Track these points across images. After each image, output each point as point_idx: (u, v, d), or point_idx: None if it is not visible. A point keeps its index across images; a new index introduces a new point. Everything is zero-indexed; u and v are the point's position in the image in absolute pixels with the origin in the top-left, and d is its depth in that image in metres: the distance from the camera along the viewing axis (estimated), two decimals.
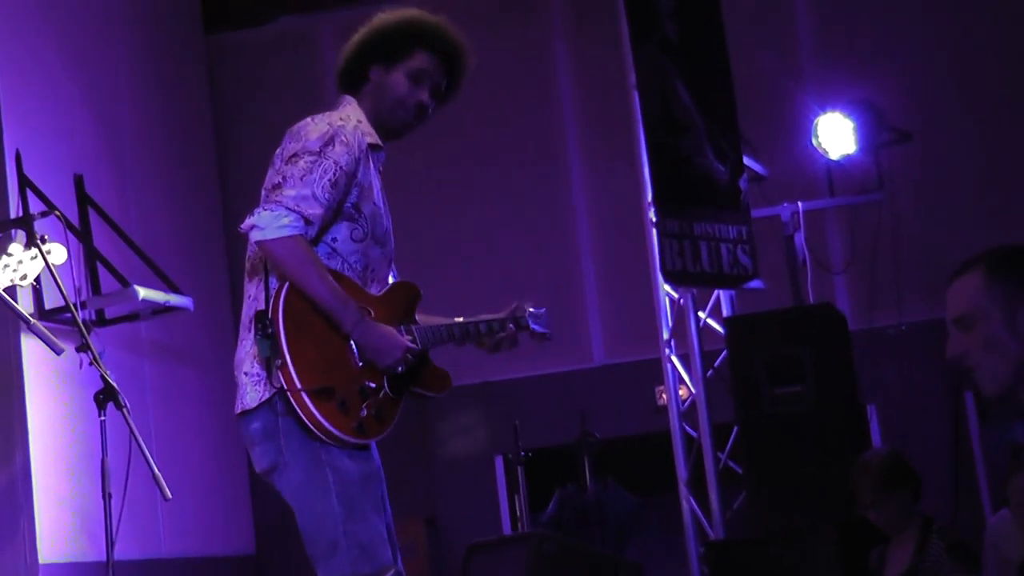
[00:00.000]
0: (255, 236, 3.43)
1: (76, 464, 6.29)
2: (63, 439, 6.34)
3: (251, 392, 3.48)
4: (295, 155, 3.49)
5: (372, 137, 3.63)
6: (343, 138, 3.52)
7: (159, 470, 4.17)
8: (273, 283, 3.47)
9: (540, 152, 8.40)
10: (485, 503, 8.07)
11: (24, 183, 6.27)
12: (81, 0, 7.21)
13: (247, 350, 3.50)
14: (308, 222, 3.43)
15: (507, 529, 7.94)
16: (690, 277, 6.80)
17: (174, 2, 8.15)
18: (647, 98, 6.84)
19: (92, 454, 5.65)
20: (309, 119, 3.58)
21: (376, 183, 3.63)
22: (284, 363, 3.37)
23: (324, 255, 3.53)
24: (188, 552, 7.23)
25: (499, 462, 8.17)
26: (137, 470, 4.37)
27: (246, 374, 3.50)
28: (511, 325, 3.81)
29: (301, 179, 3.44)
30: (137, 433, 4.20)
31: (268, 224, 3.41)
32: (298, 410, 3.39)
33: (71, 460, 6.32)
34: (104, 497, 4.38)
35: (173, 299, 6.65)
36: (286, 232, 3.41)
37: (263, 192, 3.51)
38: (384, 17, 3.75)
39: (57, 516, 6.23)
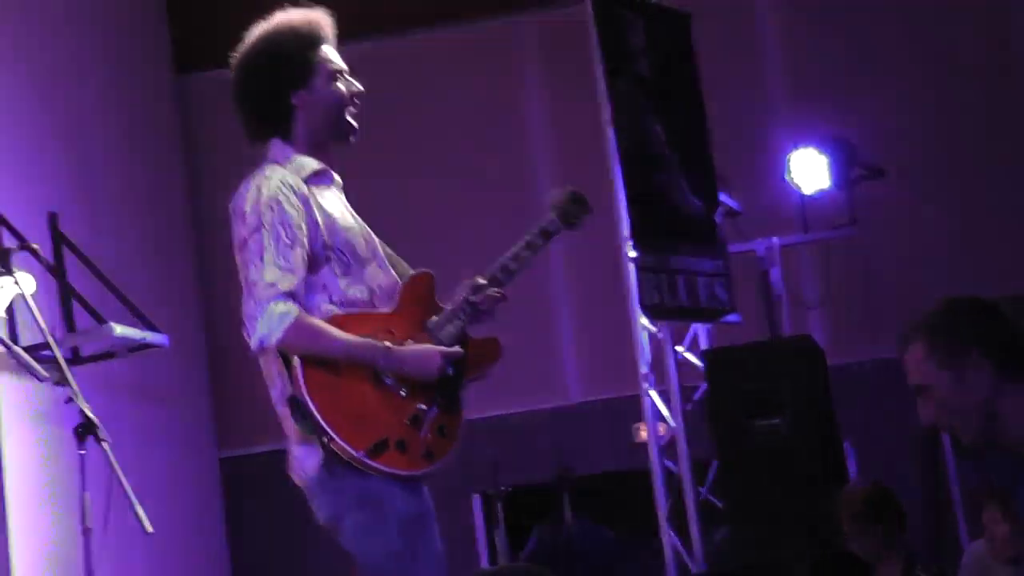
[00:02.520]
0: (267, 344, 3.38)
1: (53, 499, 6.23)
2: (39, 474, 6.28)
3: (309, 462, 3.45)
4: (244, 240, 3.43)
5: (305, 170, 3.54)
6: (276, 196, 3.43)
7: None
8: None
9: (513, 187, 8.40)
10: (463, 541, 8.03)
11: None
12: (53, 41, 7.20)
13: (293, 428, 3.45)
14: (292, 295, 3.38)
15: (486, 567, 7.91)
16: (668, 311, 6.81)
17: (144, 43, 8.16)
18: (622, 134, 6.86)
19: (69, 489, 5.60)
20: (243, 189, 3.48)
21: (336, 205, 3.56)
22: (331, 437, 3.35)
23: (325, 303, 3.48)
24: None
25: (476, 500, 8.13)
26: (116, 507, 4.32)
27: (299, 445, 3.47)
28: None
29: (260, 260, 3.38)
30: (118, 467, 4.15)
31: (269, 328, 3.36)
32: (365, 470, 3.37)
33: (47, 495, 6.26)
34: (84, 532, 4.33)
35: (149, 336, 6.61)
36: (287, 323, 3.35)
37: (243, 284, 3.43)
38: (258, 48, 3.57)
39: (33, 552, 6.16)
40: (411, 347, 3.48)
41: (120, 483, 4.12)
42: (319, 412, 3.36)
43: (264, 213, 3.42)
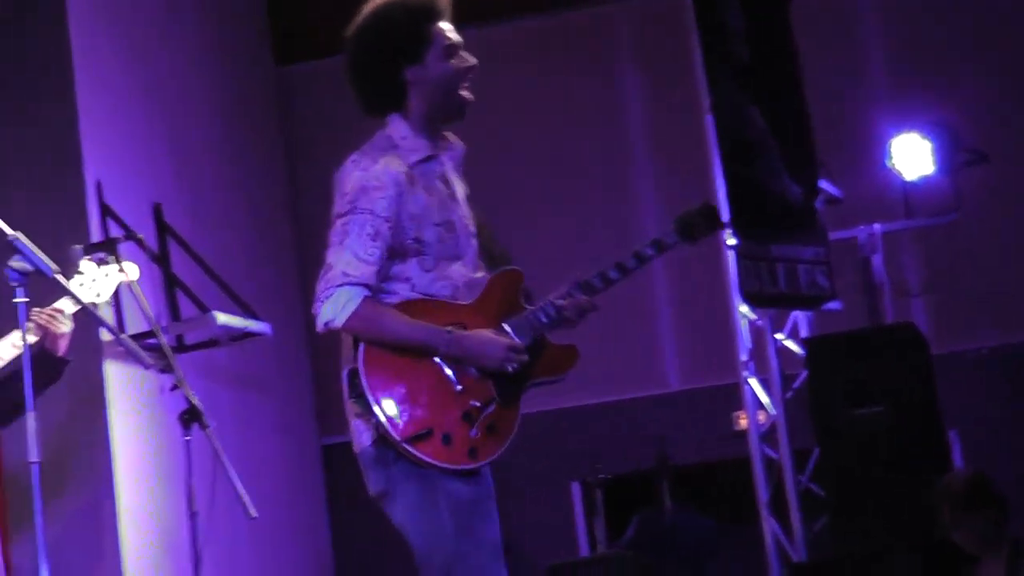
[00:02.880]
0: (332, 327, 3.44)
1: (159, 484, 6.34)
2: (146, 461, 6.39)
3: (363, 437, 3.51)
4: (335, 216, 3.48)
5: (417, 154, 3.55)
6: (375, 183, 3.46)
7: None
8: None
9: (610, 177, 8.38)
10: (562, 529, 8.04)
11: (105, 212, 6.34)
12: (157, 33, 7.30)
13: (344, 387, 3.53)
14: (363, 284, 3.43)
15: (585, 554, 7.91)
16: (768, 299, 6.76)
17: (246, 35, 8.25)
18: (721, 121, 6.82)
19: (175, 475, 5.71)
20: (350, 162, 3.52)
21: (435, 197, 3.56)
22: (378, 419, 3.41)
23: (405, 292, 3.51)
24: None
25: (576, 488, 8.14)
26: (221, 492, 4.39)
27: (355, 419, 3.52)
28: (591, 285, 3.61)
29: (341, 244, 3.43)
30: (222, 452, 4.22)
31: (335, 313, 3.41)
32: (405, 455, 3.42)
33: (154, 481, 6.37)
34: (190, 517, 4.41)
35: (251, 325, 6.70)
36: (351, 309, 3.40)
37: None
38: (370, 23, 3.56)
39: (142, 537, 6.27)
40: (475, 332, 3.49)
41: (224, 469, 4.19)
42: (371, 391, 3.42)
43: (358, 198, 3.45)
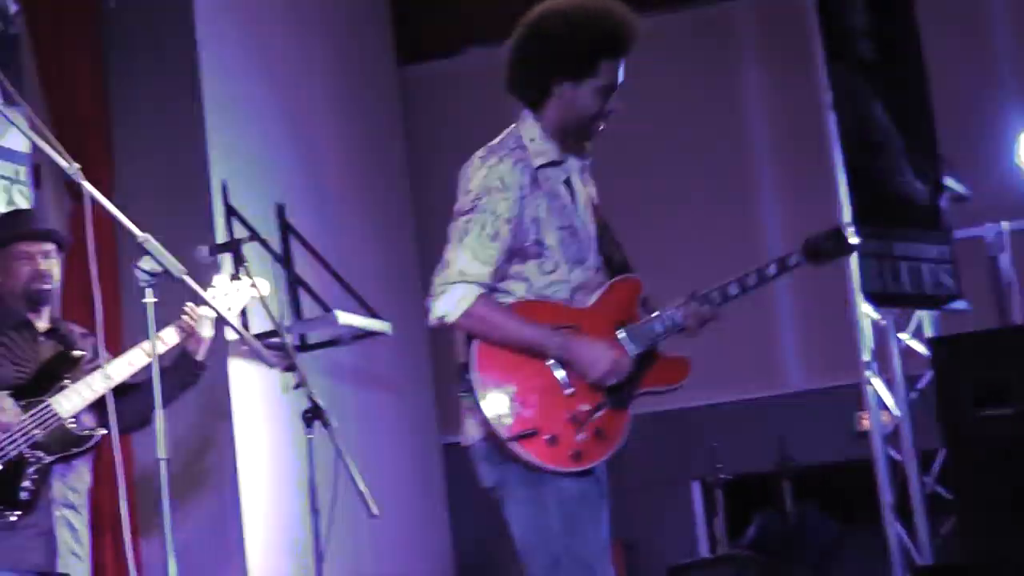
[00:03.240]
0: (444, 322, 3.47)
1: (282, 482, 6.42)
2: (269, 457, 6.47)
3: (475, 431, 3.55)
4: (457, 213, 3.50)
5: (544, 157, 3.56)
6: (499, 184, 3.47)
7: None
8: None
9: (730, 174, 8.32)
10: (682, 528, 8.01)
11: (230, 212, 6.44)
12: (282, 35, 7.38)
13: (462, 392, 3.56)
14: (479, 283, 3.45)
15: (705, 554, 7.87)
16: (891, 298, 6.68)
17: (368, 34, 8.32)
18: (842, 117, 6.74)
19: (297, 472, 5.77)
20: (477, 159, 3.54)
21: (559, 202, 3.57)
22: (484, 416, 3.44)
23: (521, 293, 3.53)
24: (391, 574, 7.31)
25: (696, 487, 8.10)
26: (343, 490, 4.43)
27: (467, 413, 3.56)
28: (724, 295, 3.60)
29: (460, 242, 3.45)
30: (344, 451, 4.26)
31: (448, 309, 3.44)
32: (511, 455, 3.44)
33: (277, 478, 6.45)
34: (312, 514, 4.45)
35: (373, 324, 6.76)
36: (465, 306, 3.43)
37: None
38: (557, 20, 3.54)
39: (265, 534, 6.35)
40: (587, 339, 3.49)
41: (346, 467, 4.23)
42: (480, 388, 3.44)
43: (481, 197, 3.48)
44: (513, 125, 3.62)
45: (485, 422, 3.45)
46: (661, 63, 8.32)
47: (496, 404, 3.44)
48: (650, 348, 3.57)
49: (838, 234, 3.64)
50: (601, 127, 3.64)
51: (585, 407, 3.48)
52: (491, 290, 3.48)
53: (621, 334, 3.55)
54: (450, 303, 3.43)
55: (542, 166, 3.56)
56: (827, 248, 3.62)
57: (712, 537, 7.68)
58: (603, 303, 3.59)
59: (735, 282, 3.63)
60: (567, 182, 3.63)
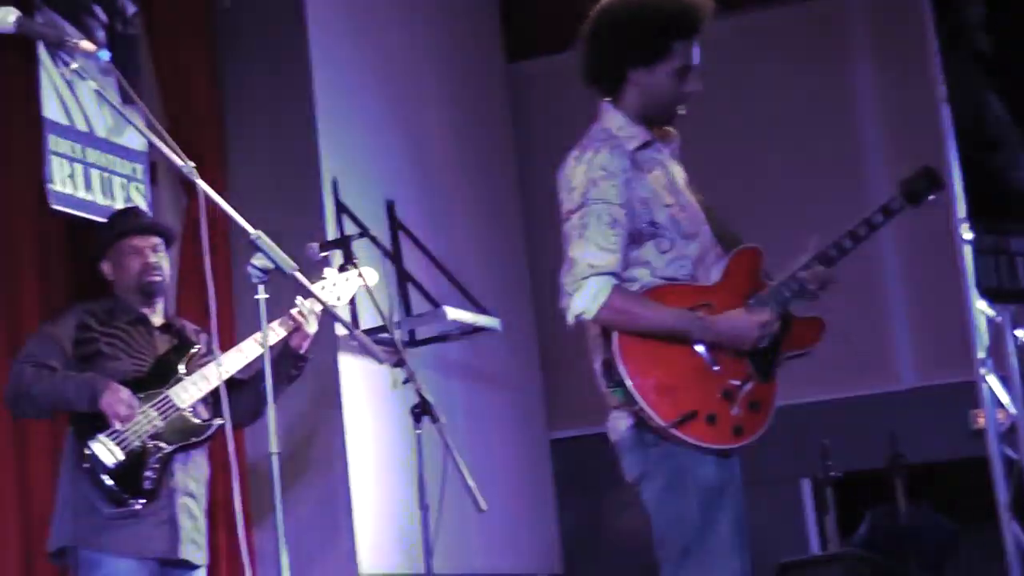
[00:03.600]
0: (583, 319, 3.47)
1: (392, 477, 6.47)
2: (379, 453, 6.53)
3: (621, 424, 3.56)
4: (568, 213, 3.50)
5: (635, 140, 3.57)
6: (602, 172, 3.48)
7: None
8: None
9: (841, 170, 8.23)
10: (792, 526, 7.94)
11: (340, 209, 6.50)
12: (392, 31, 7.43)
13: (599, 377, 3.57)
14: (610, 273, 3.45)
15: (816, 552, 7.80)
16: (1007, 294, 6.56)
17: (478, 31, 8.34)
18: (957, 111, 6.63)
19: (406, 467, 5.82)
20: (571, 159, 3.55)
21: (660, 180, 3.58)
22: (641, 407, 3.43)
23: (647, 278, 3.53)
24: (498, 569, 7.34)
25: (806, 485, 8.03)
26: (451, 485, 4.46)
27: (613, 408, 3.57)
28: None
29: (581, 236, 3.46)
30: (452, 446, 4.29)
31: (586, 305, 3.44)
32: (673, 440, 3.44)
33: (387, 473, 6.50)
34: (421, 508, 4.49)
35: (482, 320, 6.79)
36: (602, 300, 3.43)
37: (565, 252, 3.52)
38: (623, 6, 3.55)
39: (375, 527, 6.41)
40: (726, 315, 3.49)
41: (455, 462, 4.26)
42: (631, 380, 3.43)
43: (589, 191, 3.48)
44: (595, 123, 3.62)
45: (638, 413, 3.44)
46: (772, 58, 8.27)
47: (649, 393, 3.43)
48: (784, 313, 3.57)
49: (929, 171, 3.72)
50: (682, 110, 3.64)
51: (735, 381, 3.49)
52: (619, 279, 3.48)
53: (752, 303, 3.55)
54: (586, 299, 3.43)
55: (637, 148, 3.56)
56: (922, 187, 3.70)
57: (823, 535, 7.61)
58: (729, 276, 3.60)
59: (847, 236, 3.67)
60: (661, 164, 3.63)
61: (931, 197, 3.72)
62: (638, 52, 3.55)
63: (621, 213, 3.47)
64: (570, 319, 3.47)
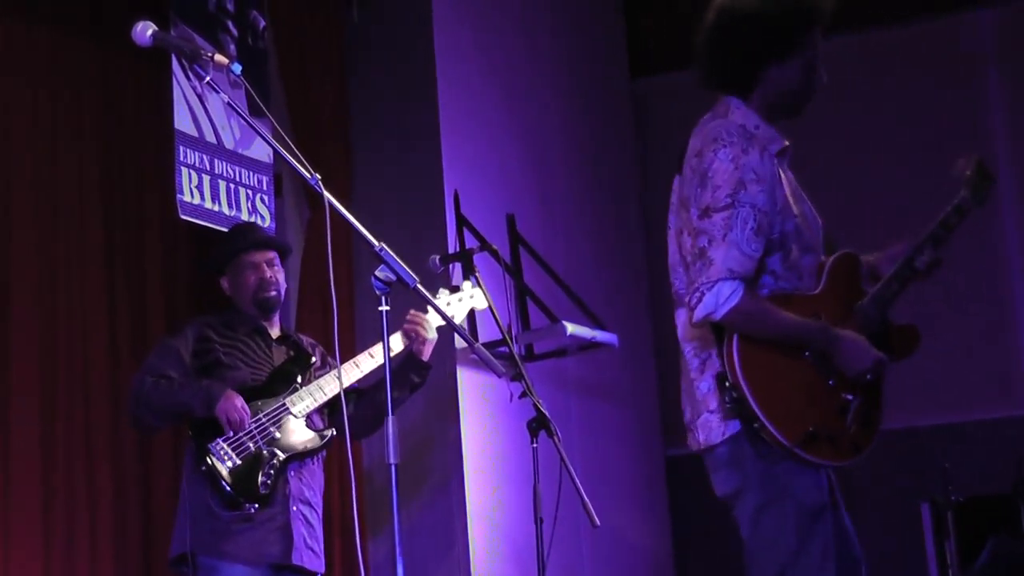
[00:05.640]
0: (710, 319, 3.40)
1: (507, 490, 6.49)
2: (495, 465, 6.54)
3: (717, 428, 3.50)
4: (708, 209, 3.40)
5: (776, 144, 3.51)
6: (752, 175, 3.40)
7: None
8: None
9: None
10: (912, 550, 7.82)
11: (461, 222, 6.54)
12: (514, 47, 7.46)
13: (706, 391, 3.51)
14: (744, 279, 3.39)
15: None
16: None
17: (601, 46, 8.35)
18: None
19: (522, 480, 5.83)
20: (713, 154, 3.42)
21: (791, 189, 3.53)
22: (763, 425, 3.37)
23: (770, 286, 3.49)
24: None
25: (925, 509, 7.90)
26: (565, 499, 4.47)
27: (710, 411, 3.51)
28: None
29: (724, 239, 3.37)
30: (568, 461, 4.30)
31: (715, 306, 3.37)
32: (794, 460, 3.40)
33: (502, 486, 6.52)
34: (536, 522, 4.51)
35: (599, 335, 6.78)
36: (733, 303, 3.37)
37: (688, 252, 3.46)
38: (751, 4, 3.48)
39: (489, 539, 6.43)
40: (848, 333, 3.44)
41: (570, 477, 4.27)
42: (752, 396, 3.36)
43: (738, 192, 3.39)
44: (719, 119, 3.52)
45: (761, 431, 3.36)
46: (900, 75, 8.17)
47: (772, 409, 3.36)
48: (885, 321, 3.55)
49: (982, 167, 3.76)
50: (808, 104, 3.59)
51: (848, 396, 3.45)
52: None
53: (859, 312, 3.53)
54: (718, 300, 3.36)
55: (777, 153, 3.51)
56: (983, 187, 3.76)
57: (942, 561, 7.47)
58: (831, 285, 3.55)
59: (927, 236, 3.68)
60: (786, 171, 3.59)
61: (991, 193, 3.75)
62: (773, 46, 3.49)
63: (766, 222, 3.40)
64: (696, 316, 3.40)
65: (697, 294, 3.39)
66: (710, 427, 3.50)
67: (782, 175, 3.52)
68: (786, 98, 3.54)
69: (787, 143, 3.55)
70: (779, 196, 3.46)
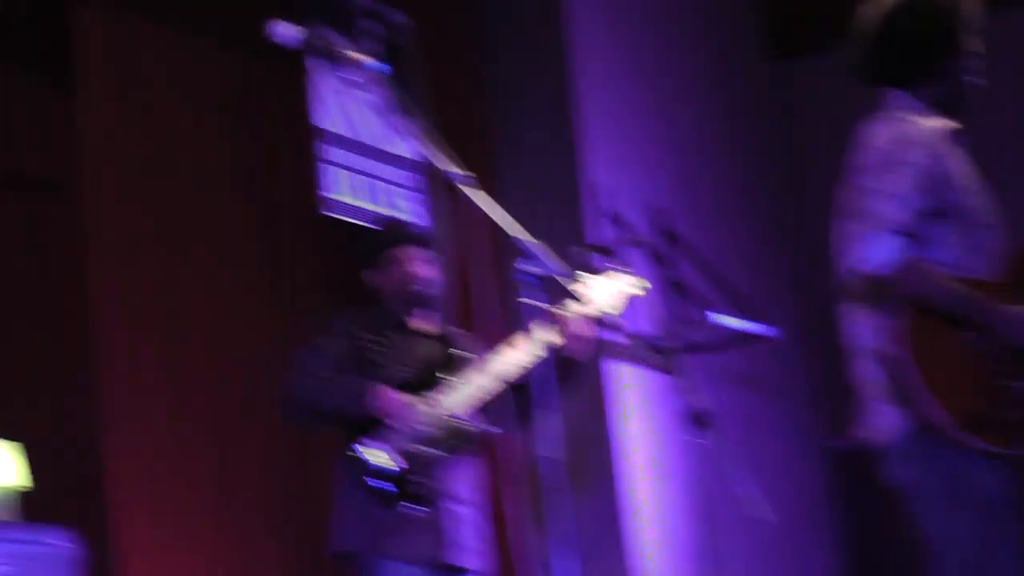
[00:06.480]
0: (863, 268, 3.28)
1: (666, 485, 6.44)
2: (654, 460, 6.50)
3: (890, 422, 3.39)
4: (862, 169, 3.36)
5: (948, 125, 3.45)
6: (910, 137, 3.35)
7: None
8: (884, 314, 3.33)
9: None
10: None
11: (608, 216, 6.49)
12: (653, 34, 7.42)
13: (874, 379, 3.40)
14: (906, 234, 3.27)
15: None
16: None
17: (743, 29, 8.26)
18: None
19: (680, 474, 5.78)
20: (879, 122, 3.42)
21: (969, 167, 3.45)
22: (928, 402, 3.25)
23: (942, 259, 3.36)
24: None
25: None
26: (726, 493, 4.39)
27: (880, 402, 3.40)
28: None
29: (877, 191, 3.30)
30: (728, 455, 4.22)
31: (879, 257, 3.26)
32: (957, 443, 3.26)
33: (662, 481, 6.48)
34: (696, 517, 4.44)
35: (755, 327, 6.69)
36: (892, 255, 3.25)
37: (845, 212, 3.38)
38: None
39: (650, 535, 6.38)
40: (1016, 308, 3.31)
41: (730, 471, 4.19)
42: (919, 374, 3.24)
43: (892, 152, 3.34)
44: (888, 108, 3.48)
45: (924, 409, 3.25)
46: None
47: (936, 389, 3.24)
48: None
49: None
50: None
51: (1015, 381, 3.31)
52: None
53: None
54: (882, 250, 3.24)
55: (952, 132, 3.45)
56: None
57: None
58: (1011, 275, 3.42)
59: None
60: (964, 155, 3.51)
61: None
62: (948, 41, 3.49)
63: (924, 180, 3.32)
64: (848, 265, 3.29)
65: (855, 245, 3.29)
66: (882, 420, 3.39)
67: (957, 152, 3.45)
68: (950, 93, 3.51)
69: (960, 126, 3.49)
70: (953, 164, 3.39)
